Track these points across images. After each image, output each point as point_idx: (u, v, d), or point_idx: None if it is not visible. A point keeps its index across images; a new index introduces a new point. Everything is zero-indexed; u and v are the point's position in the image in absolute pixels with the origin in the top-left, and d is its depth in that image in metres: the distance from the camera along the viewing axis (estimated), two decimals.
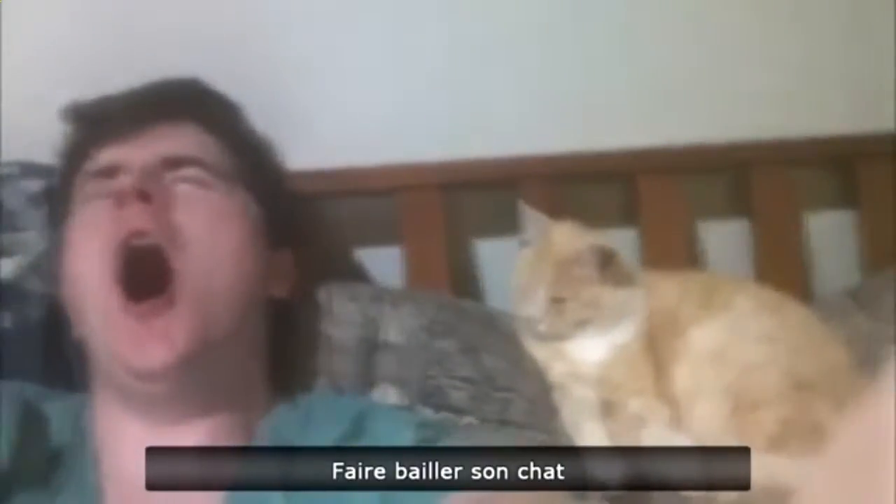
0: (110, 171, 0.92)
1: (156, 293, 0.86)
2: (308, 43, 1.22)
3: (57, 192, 1.00)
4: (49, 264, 1.02)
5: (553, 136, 1.27)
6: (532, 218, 1.07)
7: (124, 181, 0.89)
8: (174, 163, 0.93)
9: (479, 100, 1.28)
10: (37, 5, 1.17)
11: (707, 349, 1.02)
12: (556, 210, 1.14)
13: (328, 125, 1.11)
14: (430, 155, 1.23)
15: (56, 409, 0.92)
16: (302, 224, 1.06)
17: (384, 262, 1.23)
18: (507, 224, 1.19)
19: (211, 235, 0.90)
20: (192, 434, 0.89)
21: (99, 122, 0.96)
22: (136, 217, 0.88)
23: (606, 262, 1.03)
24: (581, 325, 1.03)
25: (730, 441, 0.97)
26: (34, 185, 1.07)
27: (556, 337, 1.04)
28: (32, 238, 1.03)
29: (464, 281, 1.26)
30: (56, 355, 1.00)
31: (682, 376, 1.02)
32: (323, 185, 1.18)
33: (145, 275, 0.87)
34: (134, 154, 0.92)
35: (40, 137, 1.00)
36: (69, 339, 1.00)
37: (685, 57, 1.33)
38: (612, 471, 0.96)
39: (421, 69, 1.27)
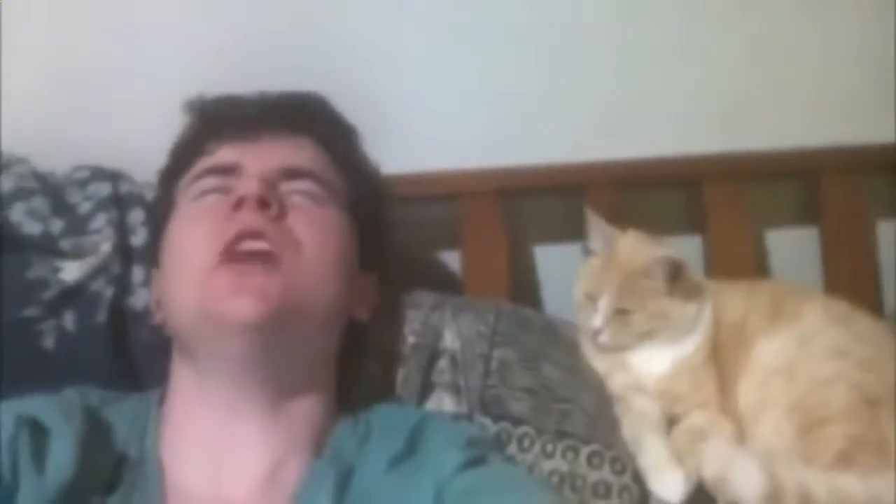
0: (229, 170, 0.93)
1: (259, 262, 0.87)
2: (370, 52, 1.23)
3: (160, 190, 1.01)
4: (117, 267, 1.04)
5: (617, 141, 1.26)
6: (598, 227, 1.06)
7: (246, 185, 0.90)
8: (292, 174, 0.94)
9: (540, 105, 1.27)
10: None
11: (774, 363, 1.00)
12: (619, 217, 1.12)
13: (389, 131, 1.11)
14: (490, 160, 1.22)
15: (118, 414, 0.92)
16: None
17: (444, 268, 1.22)
18: (567, 230, 1.18)
19: (318, 246, 0.91)
20: (258, 453, 0.89)
21: (220, 119, 0.98)
22: (253, 219, 0.88)
23: (676, 274, 1.01)
24: (645, 337, 1.02)
25: (795, 457, 0.95)
26: (103, 188, 1.09)
27: (618, 349, 1.03)
28: (100, 241, 1.05)
29: (523, 287, 1.25)
30: (120, 357, 1.02)
31: (748, 390, 1.00)
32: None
33: (251, 258, 0.87)
34: (255, 158, 0.94)
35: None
36: (135, 342, 1.02)
37: (753, 62, 1.31)
38: (673, 488, 0.95)
39: (481, 76, 1.26)
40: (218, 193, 0.92)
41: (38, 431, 0.85)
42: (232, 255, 0.87)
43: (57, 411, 0.87)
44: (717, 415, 0.99)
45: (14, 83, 1.14)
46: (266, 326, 0.85)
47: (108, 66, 1.18)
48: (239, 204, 0.89)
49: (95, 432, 0.88)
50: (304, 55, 1.18)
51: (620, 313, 1.01)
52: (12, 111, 1.12)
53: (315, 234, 0.91)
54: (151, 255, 1.00)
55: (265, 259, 0.87)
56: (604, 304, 1.01)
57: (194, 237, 0.90)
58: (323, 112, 1.02)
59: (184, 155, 0.99)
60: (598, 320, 1.02)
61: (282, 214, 0.90)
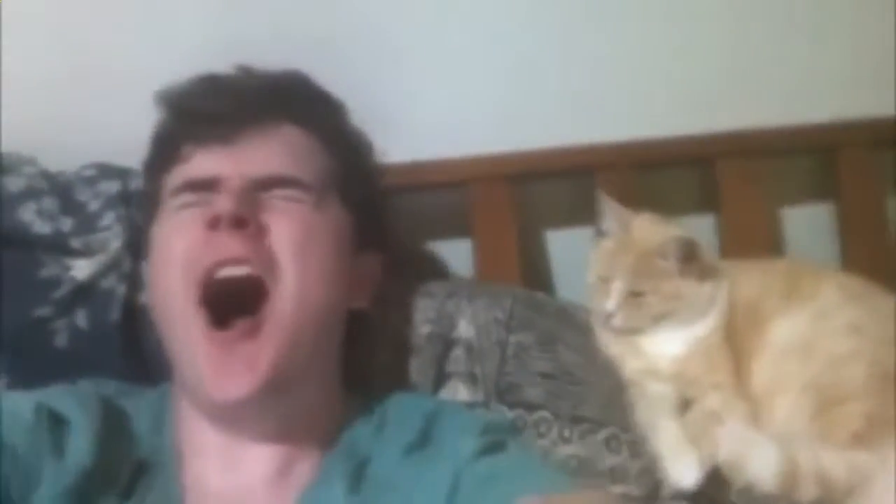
0: (206, 184, 0.90)
1: (242, 318, 0.86)
2: (376, 40, 1.22)
3: (145, 183, 0.99)
4: (127, 264, 1.04)
5: (627, 122, 1.24)
6: (611, 208, 1.05)
7: (223, 204, 0.87)
8: (271, 182, 0.91)
9: (548, 89, 1.26)
10: None
11: (790, 341, 0.99)
12: (632, 198, 1.11)
13: (397, 119, 1.10)
14: (499, 146, 1.21)
15: (135, 404, 0.93)
16: (389, 227, 1.04)
17: (455, 255, 1.22)
18: (579, 214, 1.17)
19: (303, 258, 0.89)
20: (270, 450, 0.89)
21: (195, 118, 0.94)
22: (230, 244, 0.86)
23: (690, 255, 1.00)
24: (659, 319, 1.01)
25: (811, 439, 0.94)
26: (112, 186, 1.09)
27: (632, 331, 1.02)
28: (110, 239, 1.05)
29: (535, 273, 1.25)
30: (133, 354, 1.02)
31: (763, 370, 0.99)
32: (393, 179, 1.17)
33: (233, 299, 0.86)
34: (233, 166, 0.90)
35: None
36: (148, 338, 1.02)
37: (764, 38, 1.29)
38: (688, 472, 0.94)
39: (489, 60, 1.25)
40: (196, 208, 0.90)
41: (56, 421, 0.85)
42: (215, 314, 0.85)
43: (74, 401, 0.88)
44: (732, 397, 0.98)
45: (18, 80, 1.13)
46: (255, 398, 0.85)
47: (114, 63, 1.18)
48: (214, 223, 0.87)
49: (112, 422, 0.88)
50: (309, 43, 1.17)
51: (634, 295, 1.00)
52: (17, 108, 1.12)
53: (299, 248, 0.89)
54: (144, 245, 0.98)
55: (249, 330, 0.85)
56: (617, 287, 1.00)
57: (173, 258, 0.88)
58: (305, 91, 0.98)
59: (161, 153, 0.96)
60: (611, 303, 1.01)
61: (261, 232, 0.88)
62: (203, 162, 0.92)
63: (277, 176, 0.91)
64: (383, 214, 1.02)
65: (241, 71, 0.98)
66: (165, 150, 0.95)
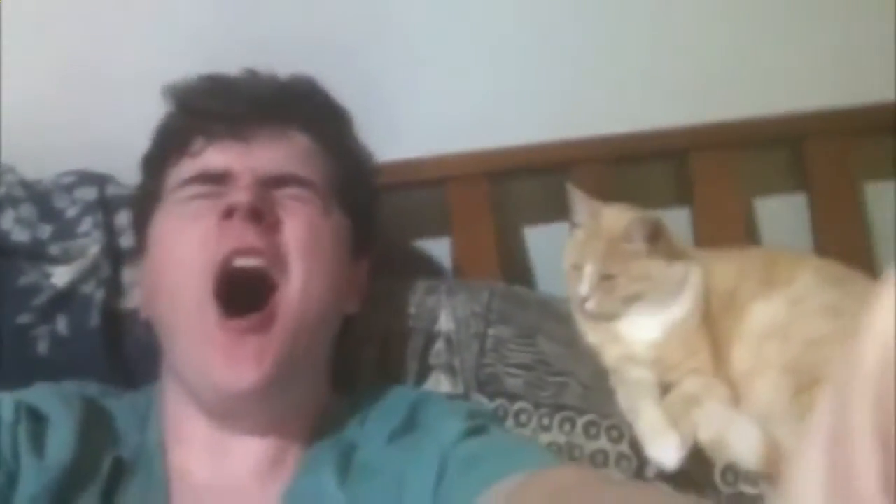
0: (219, 177, 0.91)
1: (254, 310, 0.86)
2: (354, 39, 1.22)
3: (145, 178, 0.99)
4: (106, 270, 1.04)
5: (601, 117, 1.26)
6: (580, 200, 1.06)
7: (239, 195, 0.88)
8: (283, 180, 0.92)
9: (523, 85, 1.27)
10: None
11: (768, 325, 1.00)
12: (608, 192, 1.12)
13: (374, 119, 1.11)
14: (476, 143, 1.22)
15: (119, 404, 0.93)
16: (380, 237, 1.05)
17: (435, 252, 1.23)
18: (557, 210, 1.18)
19: (310, 258, 0.90)
20: (259, 442, 0.90)
21: (208, 115, 0.94)
22: (245, 234, 0.87)
23: (655, 234, 1.02)
24: (630, 301, 1.02)
25: (791, 420, 0.95)
26: (90, 192, 1.09)
27: (606, 315, 1.03)
28: (88, 245, 1.05)
29: (515, 268, 1.25)
30: (114, 360, 1.02)
31: (742, 355, 1.00)
32: None
33: (245, 291, 0.87)
34: (246, 162, 0.91)
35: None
36: (129, 343, 1.02)
37: (734, 32, 1.31)
38: (670, 452, 0.95)
39: (465, 57, 1.26)
40: (207, 199, 0.90)
41: (36, 418, 0.86)
42: (227, 305, 0.86)
43: (55, 399, 0.88)
44: (710, 379, 0.99)
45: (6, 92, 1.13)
46: (260, 389, 0.86)
47: (92, 69, 1.18)
48: (229, 213, 0.88)
49: (94, 419, 0.88)
50: (288, 43, 1.18)
51: (605, 279, 1.01)
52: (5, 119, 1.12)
53: (307, 248, 0.90)
54: (137, 243, 0.98)
55: (260, 323, 0.86)
56: (589, 272, 1.02)
57: (185, 248, 0.89)
58: (316, 100, 1.00)
59: (168, 146, 0.96)
60: (584, 288, 1.02)
61: (273, 227, 0.89)
62: (216, 156, 0.93)
63: (289, 174, 0.93)
64: (377, 224, 1.04)
65: (249, 73, 0.99)
66: (173, 143, 0.95)
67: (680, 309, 1.02)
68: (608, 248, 1.02)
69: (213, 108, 0.95)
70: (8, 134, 1.11)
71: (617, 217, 1.04)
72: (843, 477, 0.43)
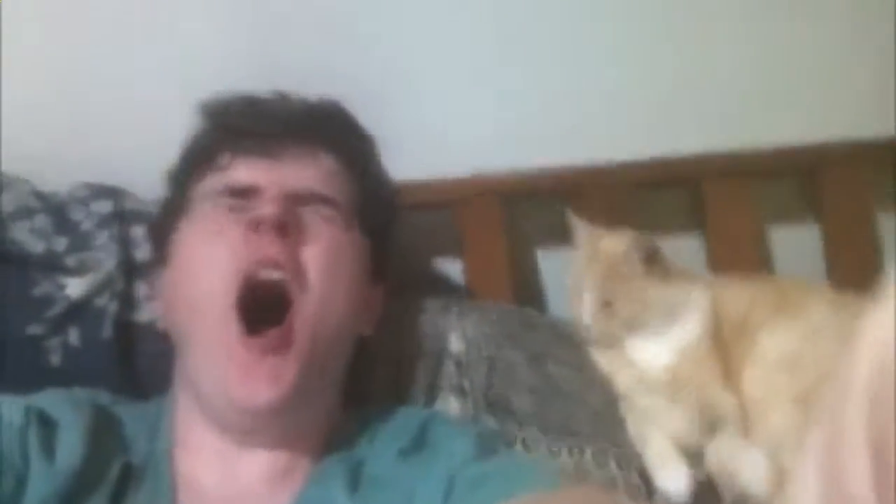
0: (247, 192, 0.92)
1: (274, 327, 0.87)
2: (364, 58, 1.23)
3: (170, 191, 1.00)
4: (120, 283, 1.04)
5: (614, 143, 1.26)
6: (580, 227, 1.07)
7: (266, 208, 0.89)
8: (310, 198, 0.93)
9: (538, 109, 1.27)
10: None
11: (780, 356, 1.00)
12: (621, 219, 1.13)
13: (387, 139, 1.11)
14: (489, 166, 1.22)
15: (130, 412, 0.94)
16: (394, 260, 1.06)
17: (447, 274, 1.23)
18: (569, 233, 1.18)
19: (331, 277, 0.91)
20: (269, 455, 0.90)
21: (239, 132, 0.96)
22: (271, 246, 0.88)
23: (650, 256, 1.02)
24: (631, 325, 1.02)
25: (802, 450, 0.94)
26: (105, 206, 1.10)
27: (607, 341, 1.03)
28: (103, 258, 1.05)
29: (526, 291, 1.25)
30: (126, 372, 1.03)
31: (753, 384, 1.00)
32: None
33: (265, 306, 0.87)
34: (273, 178, 0.92)
35: None
36: (141, 356, 1.03)
37: (749, 60, 1.31)
38: (678, 483, 0.94)
39: (477, 80, 1.27)
40: (235, 213, 0.91)
41: (46, 423, 0.86)
42: (248, 320, 0.86)
43: (66, 404, 0.89)
44: (721, 390, 0.99)
45: (10, 100, 1.13)
46: (276, 408, 0.86)
47: (107, 83, 1.19)
48: (256, 226, 0.88)
49: (104, 425, 0.89)
50: (297, 63, 1.19)
51: (605, 305, 1.02)
52: (10, 129, 1.12)
53: (329, 266, 0.91)
54: (157, 253, 0.99)
55: (280, 342, 0.86)
56: (588, 298, 1.02)
57: (210, 258, 0.90)
58: (343, 123, 1.01)
59: (196, 160, 0.97)
60: (586, 314, 1.02)
61: (300, 241, 0.90)
62: (244, 171, 0.94)
63: (314, 192, 0.94)
64: (394, 249, 1.04)
65: (279, 94, 1.01)
66: (202, 158, 0.97)
67: (689, 332, 1.02)
68: (606, 272, 1.02)
69: (243, 125, 0.96)
70: (19, 145, 1.12)
71: (614, 241, 1.04)
72: (837, 487, 0.43)
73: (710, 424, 0.98)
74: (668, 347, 1.02)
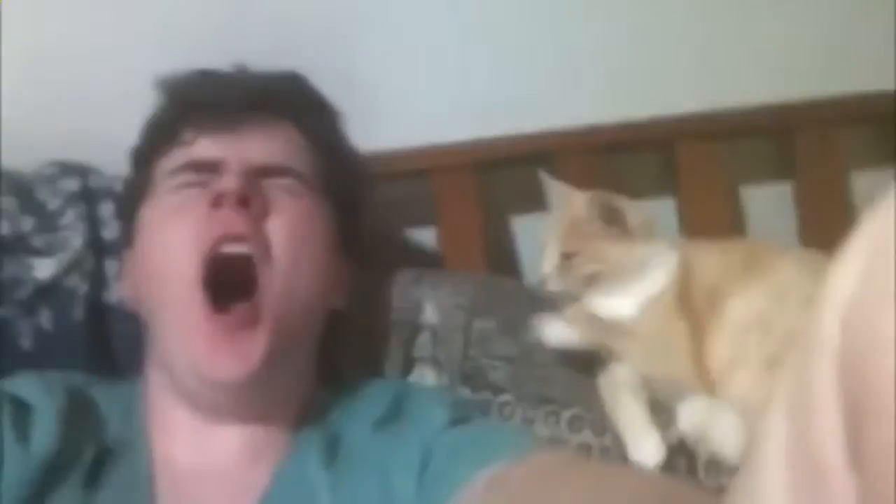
0: (210, 166, 0.92)
1: (238, 301, 0.87)
2: (339, 28, 1.22)
3: (134, 168, 0.99)
4: (90, 262, 1.03)
5: (586, 107, 1.25)
6: (553, 187, 1.07)
7: (227, 181, 0.89)
8: (273, 170, 0.93)
9: (507, 75, 1.26)
10: None
11: (749, 318, 1.00)
12: (594, 182, 1.12)
13: (359, 109, 1.10)
14: (462, 134, 1.22)
15: (104, 393, 0.93)
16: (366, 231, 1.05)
17: (421, 243, 1.22)
18: (543, 200, 1.18)
19: (297, 249, 0.90)
20: (242, 430, 0.90)
21: (200, 107, 0.95)
22: (234, 220, 0.87)
23: (609, 214, 1.02)
24: (589, 281, 1.02)
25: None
26: (72, 184, 1.08)
27: (566, 294, 1.03)
28: (71, 237, 1.04)
29: (501, 258, 1.25)
30: (99, 354, 1.02)
31: (722, 347, 0.99)
32: None
33: (232, 281, 0.87)
34: (236, 152, 0.92)
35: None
36: (114, 337, 1.02)
37: (720, 20, 1.30)
38: (650, 450, 0.95)
39: (448, 48, 1.26)
40: (197, 188, 0.91)
41: (19, 407, 0.86)
42: (215, 296, 0.86)
43: (38, 387, 0.88)
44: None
45: None
46: (246, 383, 0.86)
47: (74, 60, 1.17)
48: (218, 201, 0.88)
49: (79, 407, 0.89)
50: (272, 34, 1.17)
51: (565, 258, 1.02)
52: None
53: (294, 238, 0.90)
54: (124, 234, 0.99)
55: (248, 317, 0.86)
56: (550, 251, 1.02)
57: (174, 235, 0.89)
58: (305, 95, 1.01)
59: (159, 137, 0.97)
60: (546, 266, 1.02)
61: (261, 214, 0.89)
62: (206, 146, 0.93)
63: (278, 165, 0.93)
64: (364, 221, 1.04)
65: (239, 68, 1.00)
66: (164, 135, 0.96)
67: (649, 287, 1.02)
68: (569, 226, 1.02)
69: (204, 99, 0.96)
70: None
71: (582, 198, 1.04)
72: (806, 448, 0.42)
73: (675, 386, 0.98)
74: (631, 302, 1.02)
